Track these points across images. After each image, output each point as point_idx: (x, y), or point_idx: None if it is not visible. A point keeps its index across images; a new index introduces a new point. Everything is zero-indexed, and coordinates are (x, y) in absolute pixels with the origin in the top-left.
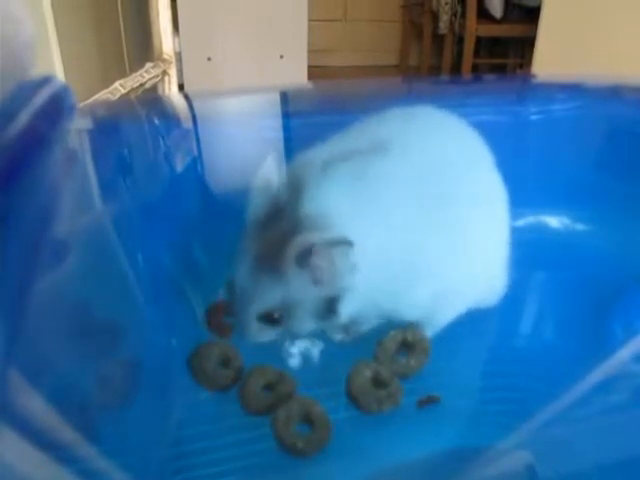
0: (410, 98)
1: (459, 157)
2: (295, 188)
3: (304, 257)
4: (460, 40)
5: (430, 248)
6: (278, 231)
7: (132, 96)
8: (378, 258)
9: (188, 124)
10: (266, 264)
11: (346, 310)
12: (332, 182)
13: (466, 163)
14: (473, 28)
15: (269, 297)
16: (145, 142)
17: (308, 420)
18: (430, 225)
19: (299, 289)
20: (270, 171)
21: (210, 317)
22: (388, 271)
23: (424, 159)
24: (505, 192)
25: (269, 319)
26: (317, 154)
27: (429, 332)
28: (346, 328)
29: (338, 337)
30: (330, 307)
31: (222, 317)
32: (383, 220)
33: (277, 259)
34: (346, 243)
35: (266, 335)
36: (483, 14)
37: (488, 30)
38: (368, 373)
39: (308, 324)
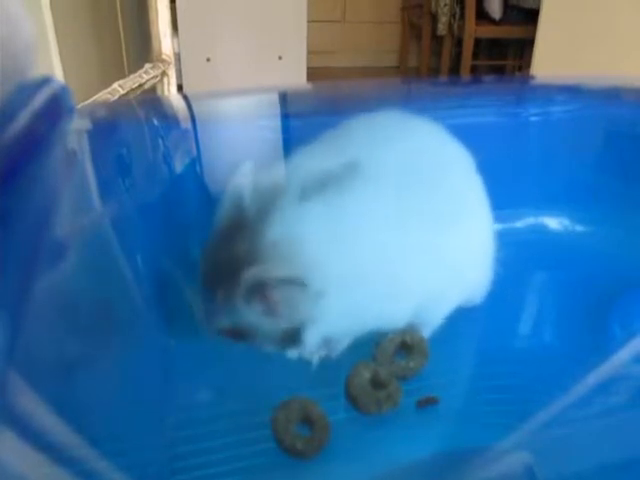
0: (409, 102)
1: (434, 163)
2: (264, 207)
3: (255, 291)
4: (459, 41)
5: (412, 260)
6: (234, 252)
7: (131, 97)
8: (354, 280)
9: (187, 125)
10: (214, 287)
11: (313, 338)
12: (308, 211)
13: (442, 168)
14: (472, 29)
15: (220, 319)
16: (144, 143)
17: (307, 421)
18: (411, 237)
19: (252, 320)
20: (244, 179)
21: None
22: (367, 290)
23: (398, 171)
24: (486, 195)
25: (233, 334)
26: (290, 173)
27: (425, 334)
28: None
29: (315, 358)
30: (293, 337)
31: None
32: (360, 241)
33: (226, 287)
34: (300, 284)
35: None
36: (482, 15)
37: (487, 31)
38: (367, 374)
39: (271, 347)
